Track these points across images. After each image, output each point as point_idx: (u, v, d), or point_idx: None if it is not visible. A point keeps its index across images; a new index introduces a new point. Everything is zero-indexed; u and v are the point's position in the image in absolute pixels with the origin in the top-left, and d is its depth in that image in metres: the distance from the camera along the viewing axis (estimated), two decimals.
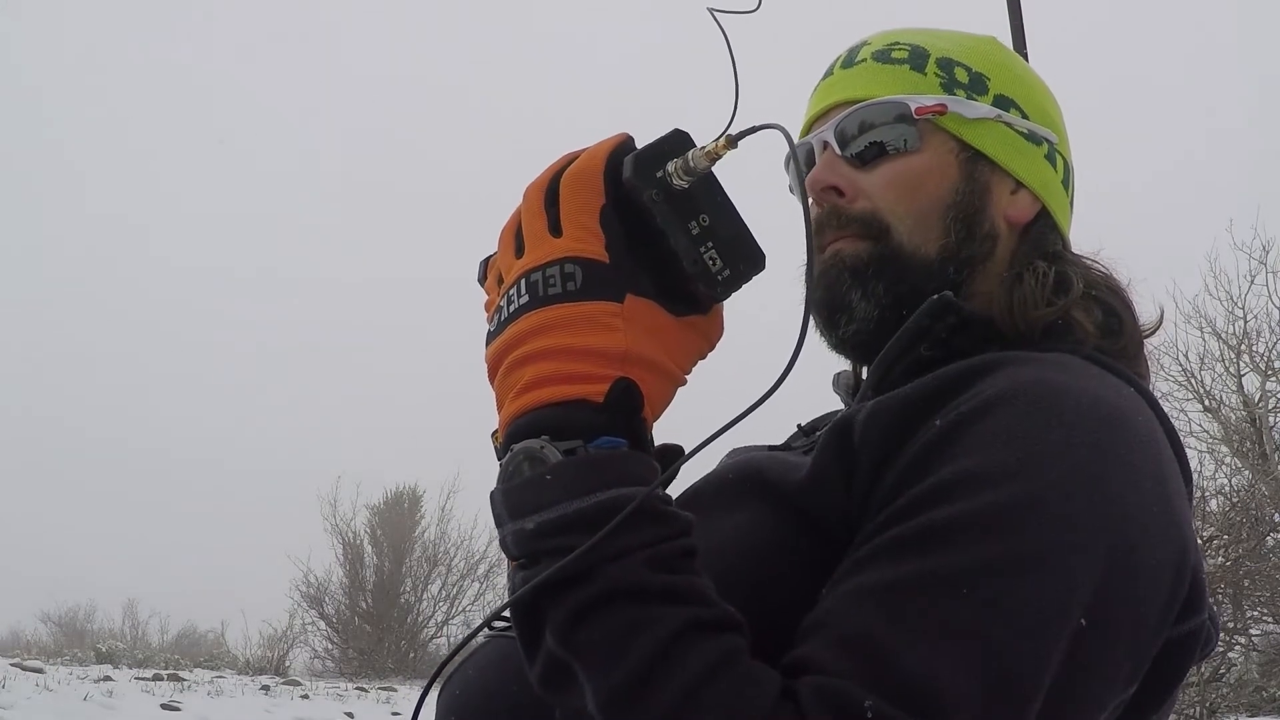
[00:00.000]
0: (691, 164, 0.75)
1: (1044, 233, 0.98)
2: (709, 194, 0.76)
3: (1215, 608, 0.98)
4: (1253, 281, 11.86)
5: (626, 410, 0.73)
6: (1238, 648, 9.28)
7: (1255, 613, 9.51)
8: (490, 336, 0.77)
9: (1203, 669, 8.18)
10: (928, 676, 0.63)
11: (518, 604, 0.70)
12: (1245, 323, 11.95)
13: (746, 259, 0.77)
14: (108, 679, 10.41)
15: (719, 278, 0.76)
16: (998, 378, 0.78)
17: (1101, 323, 0.90)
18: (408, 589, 20.53)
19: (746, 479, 0.87)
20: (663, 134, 0.77)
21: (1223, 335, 12.06)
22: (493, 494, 0.74)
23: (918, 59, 0.99)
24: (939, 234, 0.95)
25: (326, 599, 20.03)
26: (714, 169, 0.77)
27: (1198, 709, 8.48)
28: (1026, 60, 1.05)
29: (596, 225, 0.75)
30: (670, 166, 0.75)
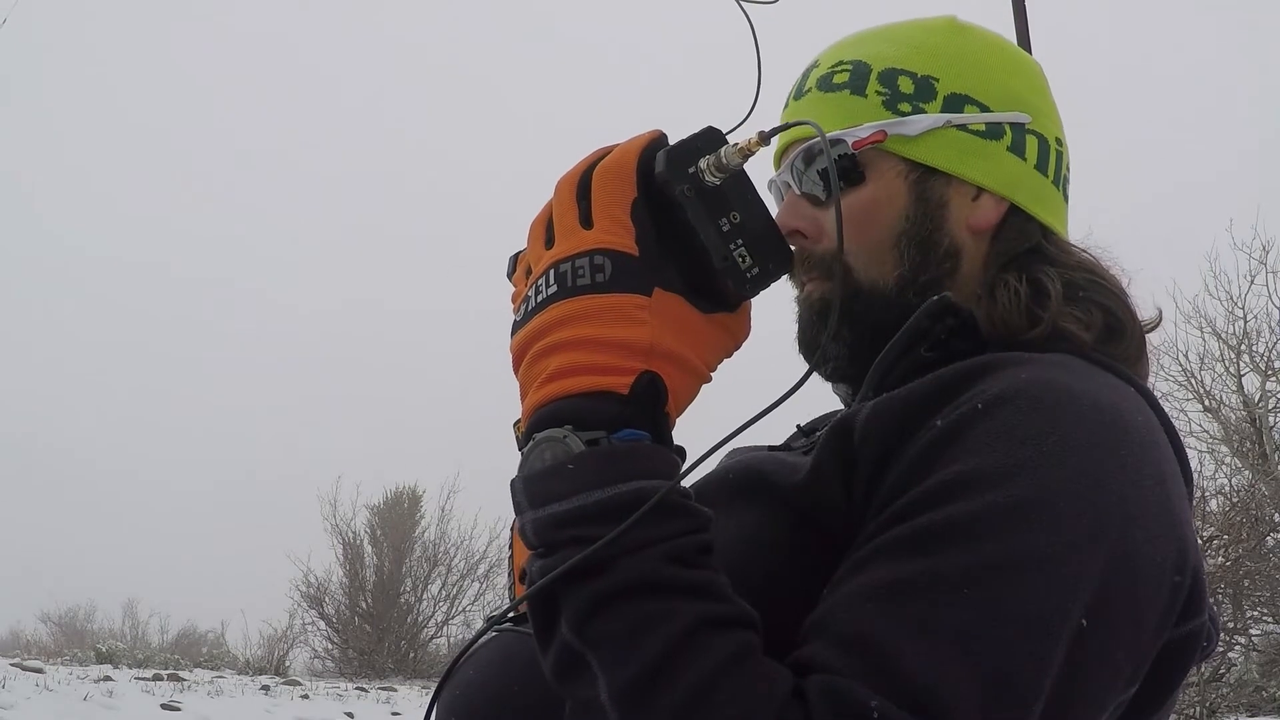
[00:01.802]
0: (724, 160, 0.75)
1: (1014, 232, 0.95)
2: (741, 192, 0.77)
3: (1215, 608, 0.97)
4: (1253, 281, 11.89)
5: (650, 403, 0.74)
6: (1238, 648, 9.29)
7: (1255, 613, 9.52)
8: (516, 326, 0.78)
9: (1203, 669, 8.17)
10: (930, 677, 0.64)
11: (535, 593, 0.70)
12: (1245, 323, 11.98)
13: (775, 258, 0.78)
14: (108, 679, 10.39)
15: (748, 275, 0.77)
16: (998, 378, 0.78)
17: (1101, 328, 0.87)
18: (408, 589, 20.51)
19: (747, 479, 0.87)
20: (696, 131, 0.77)
21: (1223, 335, 12.08)
22: (513, 482, 0.74)
23: (858, 80, 0.96)
24: (893, 264, 0.93)
25: (326, 599, 20.01)
26: (746, 168, 0.77)
27: (1198, 709, 8.48)
28: (1030, 51, 1.03)
29: (627, 218, 0.76)
30: (703, 163, 0.75)
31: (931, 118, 0.94)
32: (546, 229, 0.79)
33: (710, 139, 0.77)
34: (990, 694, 0.64)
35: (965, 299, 0.92)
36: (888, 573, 0.69)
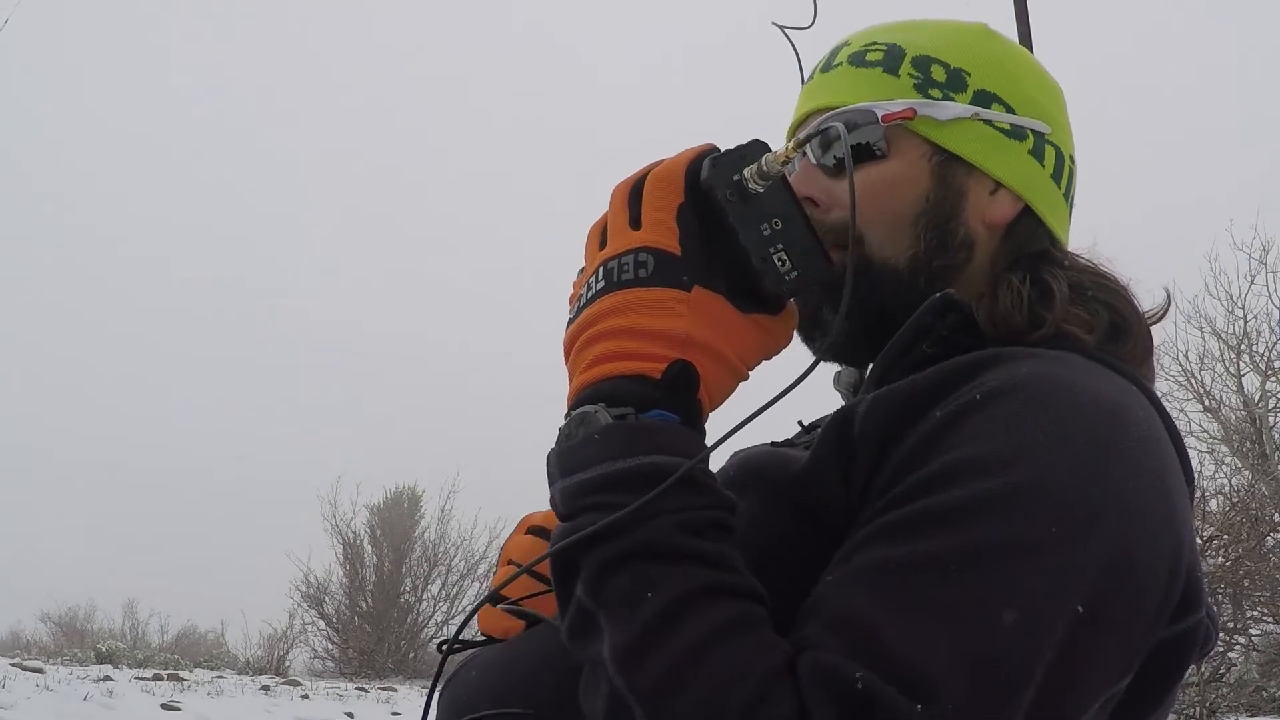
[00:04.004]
0: (765, 168, 0.79)
1: (1026, 233, 0.96)
2: (783, 199, 0.81)
3: (1215, 608, 0.97)
4: (1253, 281, 11.91)
5: (682, 389, 0.77)
6: (1238, 648, 9.28)
7: (1255, 613, 9.52)
8: (569, 321, 0.82)
9: (1203, 669, 8.17)
10: (917, 655, 0.64)
11: (555, 556, 0.74)
12: (1245, 323, 12.01)
13: (815, 264, 0.81)
14: (108, 679, 10.39)
15: (786, 278, 0.80)
16: (999, 371, 0.78)
17: (1106, 327, 0.88)
18: (408, 589, 20.53)
19: (747, 474, 0.88)
20: (743, 142, 0.81)
21: (1223, 335, 12.10)
22: (549, 454, 0.77)
23: (892, 60, 0.97)
24: (909, 244, 0.94)
25: (326, 599, 20.03)
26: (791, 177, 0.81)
27: (1198, 709, 8.48)
28: (1031, 50, 1.04)
29: (673, 221, 0.80)
30: (747, 171, 0.80)
31: (961, 106, 0.95)
32: (602, 234, 0.84)
33: (755, 149, 0.81)
34: (977, 675, 0.64)
35: (970, 295, 0.92)
36: (879, 555, 0.70)
